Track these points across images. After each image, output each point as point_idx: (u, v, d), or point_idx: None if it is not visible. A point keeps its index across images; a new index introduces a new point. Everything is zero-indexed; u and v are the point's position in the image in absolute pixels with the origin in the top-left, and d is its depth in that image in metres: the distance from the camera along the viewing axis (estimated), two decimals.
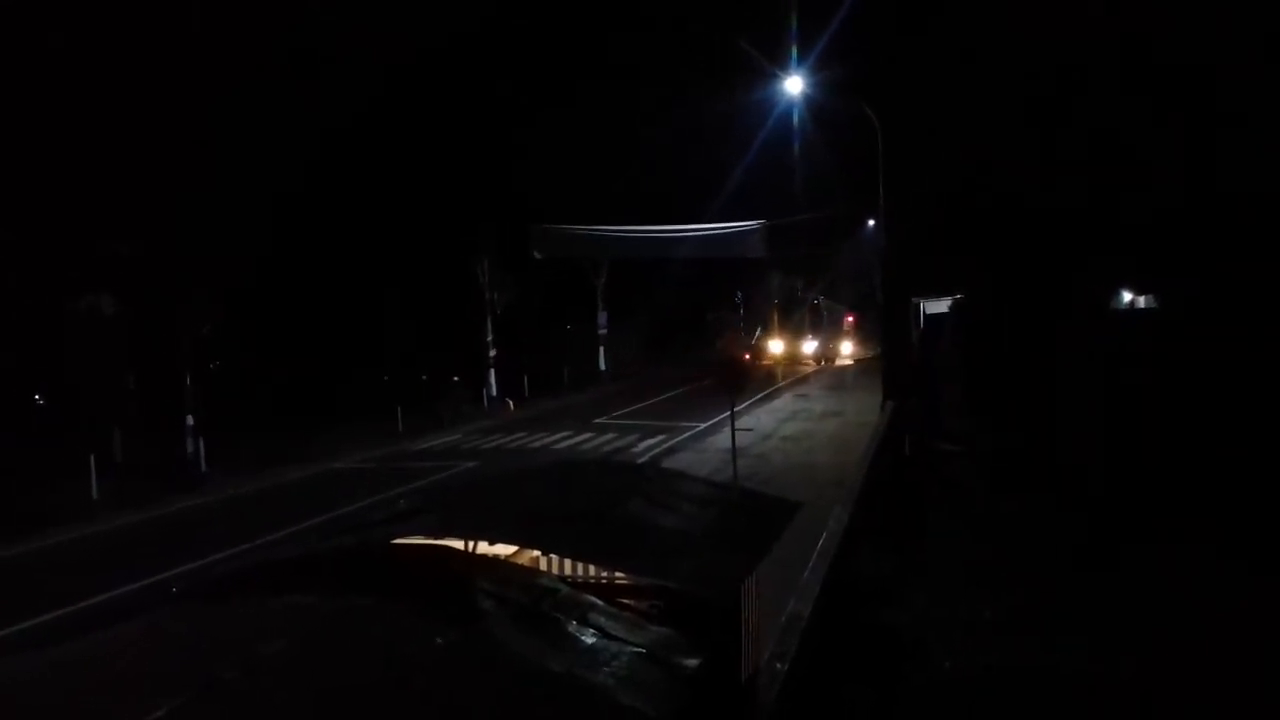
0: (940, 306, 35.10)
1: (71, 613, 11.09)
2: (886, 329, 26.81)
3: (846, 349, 51.54)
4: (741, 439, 18.31)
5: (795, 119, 31.53)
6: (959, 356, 22.06)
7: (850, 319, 55.28)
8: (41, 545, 15.12)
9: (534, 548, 5.44)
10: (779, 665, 5.45)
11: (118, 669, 3.54)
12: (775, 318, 51.67)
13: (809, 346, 50.85)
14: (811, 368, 46.24)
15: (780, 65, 27.48)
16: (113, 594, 11.68)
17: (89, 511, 16.91)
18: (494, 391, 32.34)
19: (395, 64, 27.86)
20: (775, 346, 49.39)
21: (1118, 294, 27.75)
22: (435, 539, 5.06)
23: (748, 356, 36.01)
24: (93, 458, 17.94)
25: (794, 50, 27.98)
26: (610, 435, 24.10)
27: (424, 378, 31.67)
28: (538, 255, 34.43)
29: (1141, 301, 27.14)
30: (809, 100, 29.13)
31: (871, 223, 34.37)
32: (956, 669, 7.78)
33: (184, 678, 3.29)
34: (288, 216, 26.40)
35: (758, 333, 53.50)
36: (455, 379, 30.28)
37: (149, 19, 21.36)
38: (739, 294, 53.46)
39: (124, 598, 11.51)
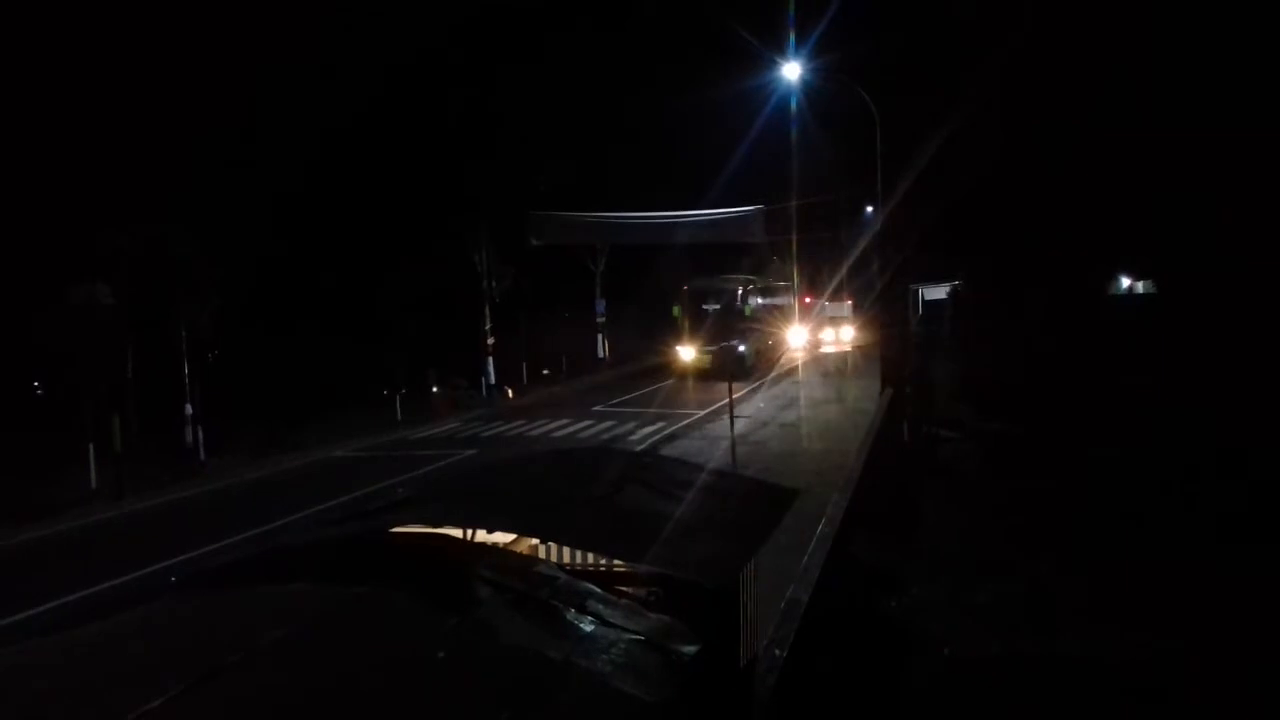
0: (939, 293, 35.16)
1: (69, 602, 11.10)
2: (885, 316, 26.83)
3: (797, 339, 37.38)
4: (740, 426, 18.35)
5: (793, 105, 31.53)
6: (957, 342, 22.08)
7: (808, 300, 43.11)
8: (40, 534, 15.13)
9: (532, 536, 5.45)
10: (777, 651, 5.47)
11: (115, 658, 3.54)
12: (686, 313, 34.28)
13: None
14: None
15: (778, 51, 27.45)
16: (111, 583, 11.70)
17: (88, 500, 16.92)
18: (492, 379, 32.33)
19: (392, 57, 27.83)
20: (685, 354, 32.80)
21: (1116, 279, 27.79)
22: (433, 527, 5.06)
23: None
24: (91, 446, 17.94)
25: (792, 36, 27.96)
26: (609, 422, 24.13)
27: (422, 366, 31.65)
28: (535, 242, 34.41)
29: (1140, 287, 27.19)
30: (807, 86, 29.14)
31: (870, 209, 34.35)
32: (955, 656, 7.80)
33: (182, 666, 3.29)
34: (285, 207, 26.37)
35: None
36: (461, 379, 30.33)
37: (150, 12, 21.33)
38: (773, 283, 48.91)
39: (122, 587, 11.53)
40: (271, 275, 27.57)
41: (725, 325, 33.55)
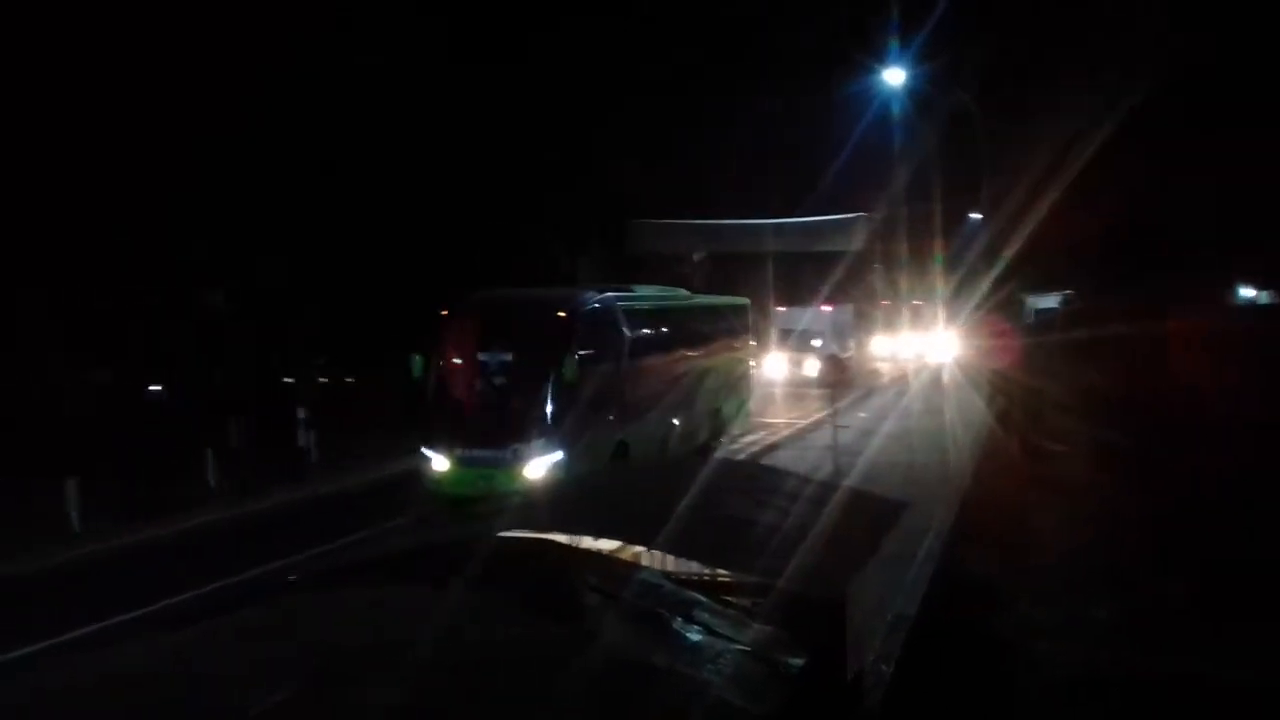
0: (1049, 302, 34.24)
1: (191, 598, 11.49)
2: (993, 327, 26.30)
3: (810, 366, 31.22)
4: (842, 436, 18.07)
5: (897, 111, 31.10)
6: (1069, 353, 21.46)
7: (826, 309, 35.15)
8: (162, 532, 15.72)
9: (637, 544, 5.46)
10: (884, 667, 5.38)
11: (236, 654, 3.66)
12: (448, 371, 15.56)
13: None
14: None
15: (883, 57, 27.12)
16: (230, 580, 12.07)
17: (206, 500, 17.49)
18: None
19: (487, 69, 28.36)
20: (436, 463, 14.91)
21: (1235, 290, 26.77)
22: (540, 533, 5.12)
23: None
24: (210, 449, 18.57)
25: (895, 42, 27.60)
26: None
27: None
28: (635, 250, 34.54)
29: (1264, 297, 26.14)
30: (912, 93, 28.74)
31: (978, 216, 33.54)
32: (1067, 675, 7.56)
33: (300, 663, 3.38)
34: (390, 218, 26.95)
35: None
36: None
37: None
38: (850, 291, 46.63)
39: (239, 584, 11.89)
40: (377, 284, 28.24)
41: (542, 396, 14.55)
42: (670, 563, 5.56)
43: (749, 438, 22.20)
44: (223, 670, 3.49)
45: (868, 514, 6.59)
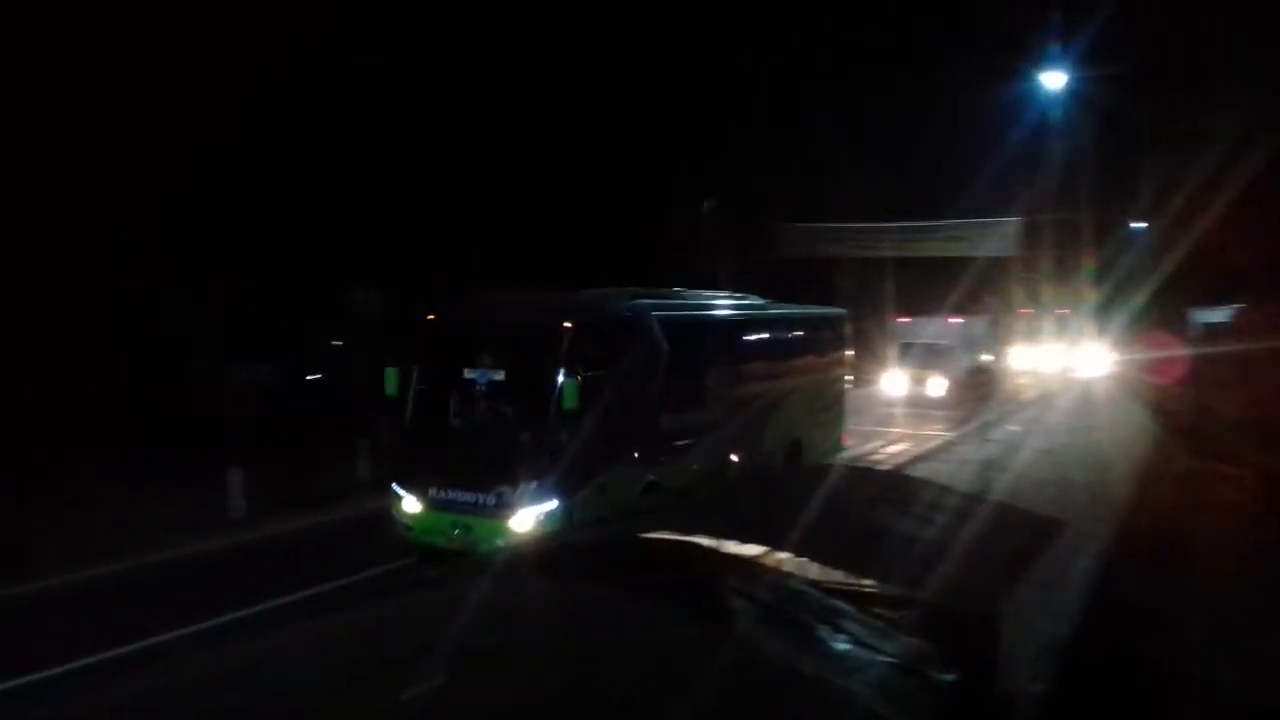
0: (1218, 316, 32.40)
1: (342, 586, 11.96)
2: (1158, 340, 25.11)
3: (935, 385, 28.91)
4: (991, 450, 17.56)
5: (1055, 115, 30.03)
6: (1241, 369, 20.28)
7: (956, 320, 31.89)
8: (316, 521, 16.45)
9: (781, 550, 5.38)
10: (1037, 688, 5.16)
11: (387, 640, 3.77)
12: (421, 388, 12.96)
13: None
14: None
15: (1041, 58, 26.26)
16: (378, 570, 12.52)
17: (353, 492, 18.18)
18: None
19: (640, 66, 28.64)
20: (407, 505, 12.45)
21: None
22: (683, 535, 5.10)
23: None
24: (359, 444, 19.31)
25: (1056, 43, 26.69)
26: (852, 441, 23.60)
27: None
28: (777, 254, 34.29)
29: None
30: (1073, 94, 27.71)
31: (1141, 225, 31.99)
32: (1233, 705, 7.11)
33: (445, 654, 3.45)
34: (535, 220, 27.49)
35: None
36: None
37: None
38: (986, 300, 45.38)
39: (388, 575, 12.33)
40: (524, 284, 28.89)
41: (539, 426, 11.77)
42: (814, 570, 5.46)
43: (892, 449, 21.78)
44: (373, 656, 3.59)
45: (1018, 530, 6.37)
